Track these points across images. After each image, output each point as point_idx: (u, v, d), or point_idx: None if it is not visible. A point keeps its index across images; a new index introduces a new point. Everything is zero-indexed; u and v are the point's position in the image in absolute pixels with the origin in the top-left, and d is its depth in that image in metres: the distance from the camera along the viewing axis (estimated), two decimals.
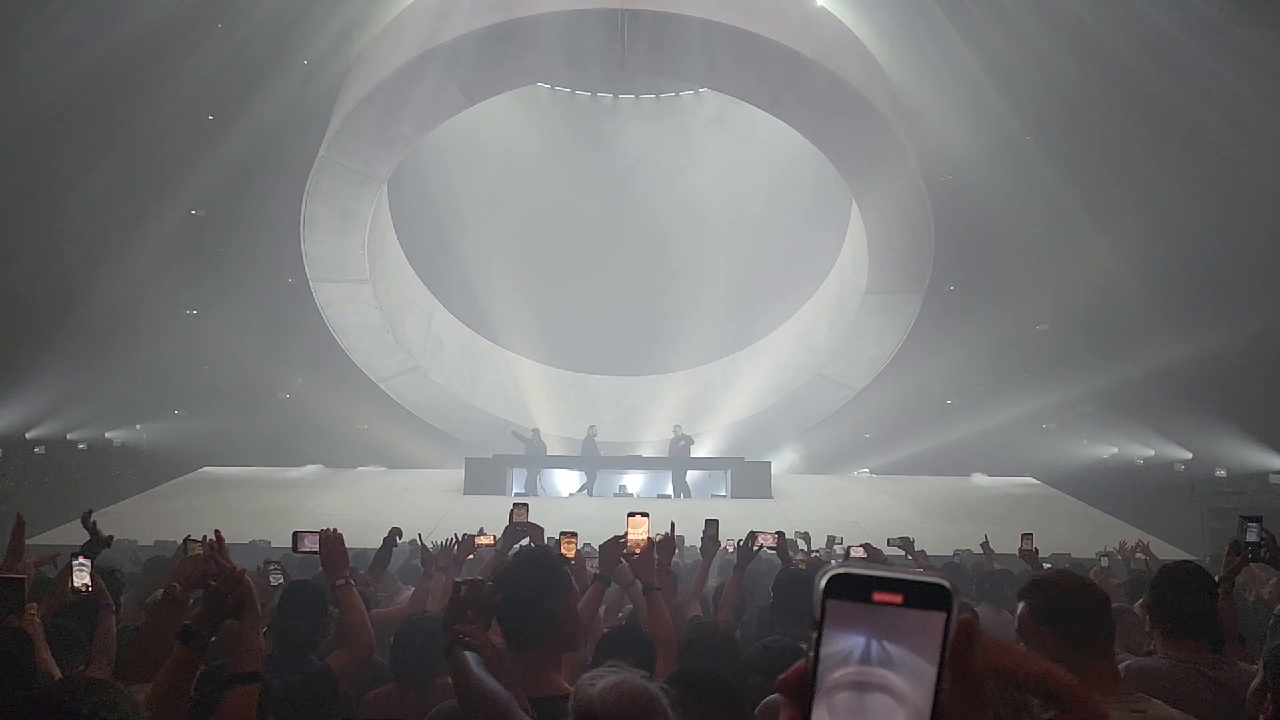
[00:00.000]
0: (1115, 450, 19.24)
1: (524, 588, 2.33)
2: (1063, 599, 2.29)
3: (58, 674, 2.64)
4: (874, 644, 0.57)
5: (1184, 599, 2.89)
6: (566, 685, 2.33)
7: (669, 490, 17.50)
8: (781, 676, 0.59)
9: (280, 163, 18.48)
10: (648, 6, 14.97)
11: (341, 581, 3.31)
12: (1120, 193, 19.00)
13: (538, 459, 17.95)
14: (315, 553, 3.54)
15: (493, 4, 15.13)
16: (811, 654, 0.58)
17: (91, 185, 17.64)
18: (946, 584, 0.57)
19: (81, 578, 3.77)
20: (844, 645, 0.57)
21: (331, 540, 3.39)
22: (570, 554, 4.40)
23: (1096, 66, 18.98)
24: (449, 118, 16.73)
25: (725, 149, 20.87)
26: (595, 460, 17.73)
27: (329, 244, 17.06)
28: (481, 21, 14.97)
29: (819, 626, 0.57)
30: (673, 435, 17.97)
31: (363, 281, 17.51)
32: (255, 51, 19.17)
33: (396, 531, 5.71)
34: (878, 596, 0.57)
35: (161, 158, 19.04)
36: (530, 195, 21.15)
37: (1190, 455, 18.10)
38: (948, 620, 0.57)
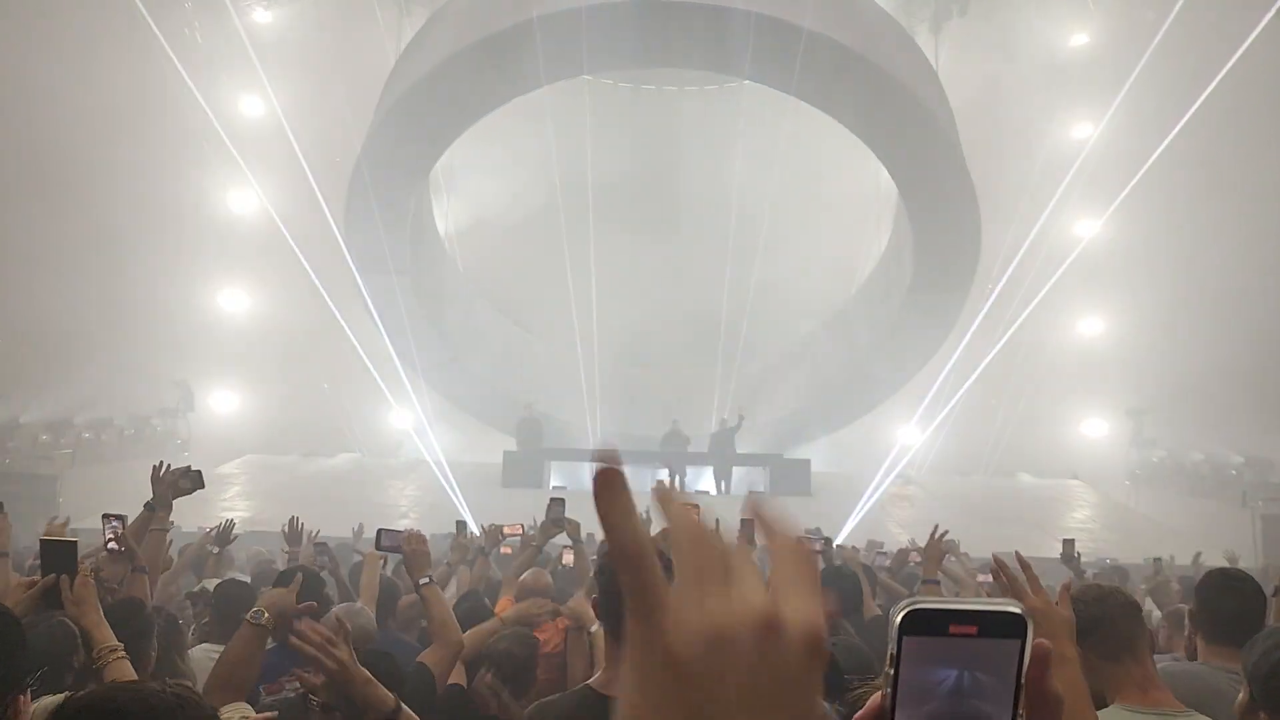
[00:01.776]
0: (1165, 453, 18.83)
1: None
2: (1082, 612, 2.32)
3: (109, 636, 2.64)
4: (964, 675, 0.56)
5: (1227, 605, 2.87)
6: None
7: (703, 485, 17.33)
8: (858, 715, 0.58)
9: (325, 153, 18.64)
10: None
11: (425, 580, 3.38)
12: (1172, 191, 18.59)
13: (572, 451, 17.91)
14: (398, 550, 3.71)
15: None
16: (889, 690, 0.57)
17: (134, 178, 17.94)
18: (1020, 610, 0.57)
19: (110, 534, 3.82)
20: (926, 679, 0.57)
21: (415, 539, 3.55)
22: None
23: (1152, 61, 18.57)
24: (493, 110, 16.72)
25: (768, 141, 20.69)
26: (661, 454, 17.54)
27: (371, 235, 17.13)
28: (525, 13, 14.93)
29: (895, 663, 0.56)
30: (718, 428, 17.72)
31: (403, 273, 17.59)
32: (298, 42, 19.38)
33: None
34: (954, 629, 0.56)
35: (205, 150, 19.30)
36: (572, 187, 21.12)
37: (1243, 459, 17.66)
38: (1022, 646, 0.56)
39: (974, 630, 0.56)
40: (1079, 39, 21.05)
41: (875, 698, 0.58)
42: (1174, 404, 17.72)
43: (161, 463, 3.98)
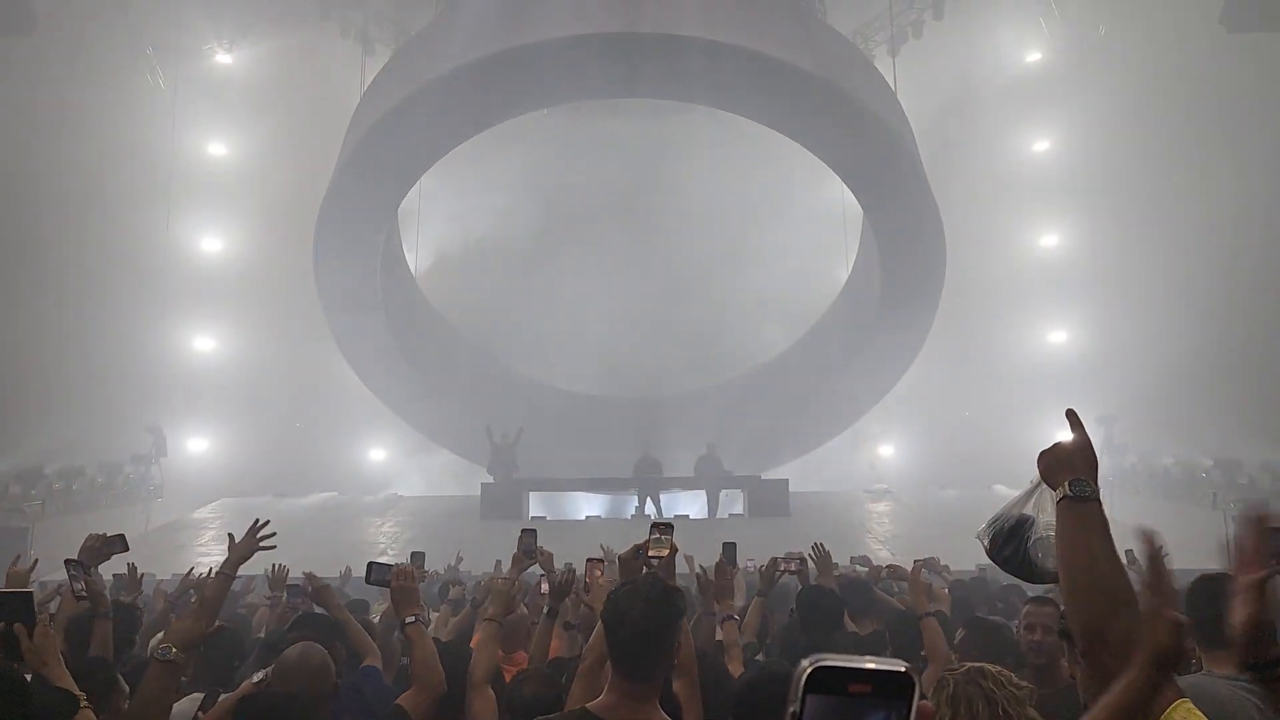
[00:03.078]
0: (1136, 459, 19.04)
1: (642, 620, 2.35)
2: None
3: (72, 687, 2.63)
4: None
5: (1220, 612, 2.86)
6: (667, 718, 2.38)
7: (683, 510, 17.26)
8: None
9: (292, 192, 18.66)
10: (652, 29, 14.97)
11: (411, 619, 3.27)
12: (1128, 200, 18.95)
13: (556, 480, 17.87)
14: (386, 584, 3.58)
15: (499, 30, 15.19)
16: None
17: (102, 223, 17.85)
18: (906, 669, 0.61)
19: (76, 583, 3.78)
20: None
21: (403, 575, 3.40)
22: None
23: (1110, 78, 18.99)
24: (459, 144, 16.78)
25: (733, 164, 20.90)
26: (623, 481, 17.49)
27: (342, 273, 17.09)
28: (488, 48, 15.01)
29: None
30: (705, 451, 17.68)
31: (376, 309, 17.56)
32: (261, 83, 19.36)
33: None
34: (852, 688, 0.60)
35: (173, 193, 19.22)
36: (543, 212, 21.18)
37: (1212, 462, 17.88)
38: (909, 707, 0.61)
39: (869, 689, 0.60)
40: (1033, 55, 21.50)
41: None
42: (1142, 410, 17.94)
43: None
